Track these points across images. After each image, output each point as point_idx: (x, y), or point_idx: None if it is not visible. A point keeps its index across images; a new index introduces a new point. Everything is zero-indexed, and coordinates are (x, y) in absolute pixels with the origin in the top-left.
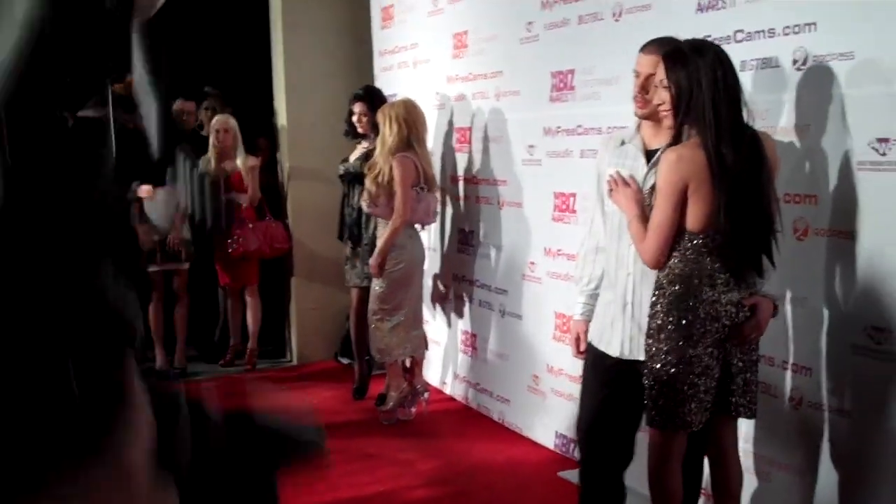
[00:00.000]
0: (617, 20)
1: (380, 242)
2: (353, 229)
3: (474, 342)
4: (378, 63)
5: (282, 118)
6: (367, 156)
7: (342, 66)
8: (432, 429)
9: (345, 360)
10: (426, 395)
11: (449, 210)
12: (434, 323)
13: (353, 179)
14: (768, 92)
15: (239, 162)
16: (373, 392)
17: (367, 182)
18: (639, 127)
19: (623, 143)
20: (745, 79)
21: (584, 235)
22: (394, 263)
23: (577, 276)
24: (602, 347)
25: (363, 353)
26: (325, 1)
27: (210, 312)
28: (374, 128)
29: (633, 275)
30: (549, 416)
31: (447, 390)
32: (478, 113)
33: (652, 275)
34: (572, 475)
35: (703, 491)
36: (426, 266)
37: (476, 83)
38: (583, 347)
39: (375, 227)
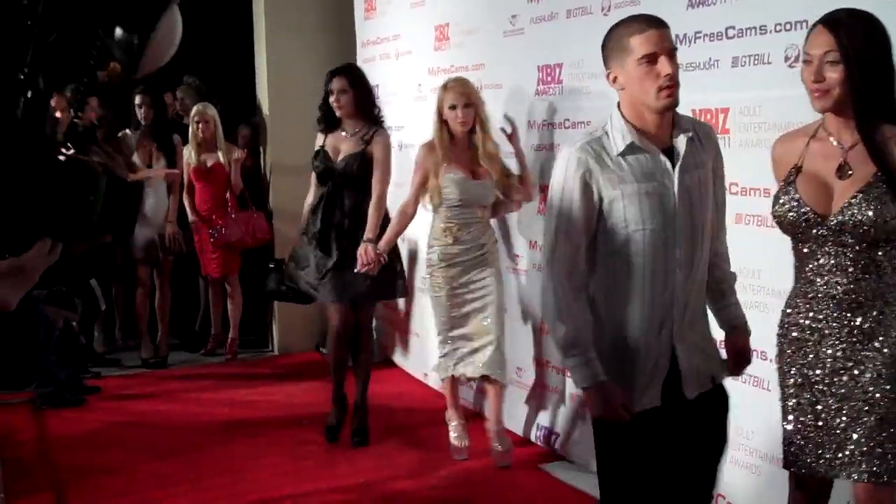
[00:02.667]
0: (606, 14)
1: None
2: (342, 240)
3: None
4: (361, 54)
5: (264, 108)
6: (363, 154)
7: (325, 58)
8: (411, 421)
9: (325, 351)
10: None
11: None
12: (415, 316)
13: (346, 181)
14: (760, 88)
15: (220, 153)
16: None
17: (497, 188)
18: (629, 125)
19: (631, 147)
20: (737, 75)
21: (547, 280)
22: None
23: (566, 338)
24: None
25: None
26: None
27: (192, 302)
28: (361, 109)
29: (680, 307)
30: (532, 408)
31: (428, 383)
32: None
33: (696, 307)
34: (554, 468)
35: None
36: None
37: (458, 75)
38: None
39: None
